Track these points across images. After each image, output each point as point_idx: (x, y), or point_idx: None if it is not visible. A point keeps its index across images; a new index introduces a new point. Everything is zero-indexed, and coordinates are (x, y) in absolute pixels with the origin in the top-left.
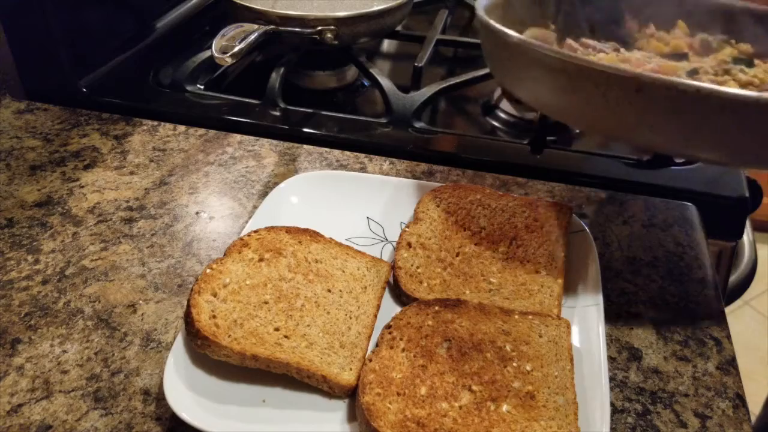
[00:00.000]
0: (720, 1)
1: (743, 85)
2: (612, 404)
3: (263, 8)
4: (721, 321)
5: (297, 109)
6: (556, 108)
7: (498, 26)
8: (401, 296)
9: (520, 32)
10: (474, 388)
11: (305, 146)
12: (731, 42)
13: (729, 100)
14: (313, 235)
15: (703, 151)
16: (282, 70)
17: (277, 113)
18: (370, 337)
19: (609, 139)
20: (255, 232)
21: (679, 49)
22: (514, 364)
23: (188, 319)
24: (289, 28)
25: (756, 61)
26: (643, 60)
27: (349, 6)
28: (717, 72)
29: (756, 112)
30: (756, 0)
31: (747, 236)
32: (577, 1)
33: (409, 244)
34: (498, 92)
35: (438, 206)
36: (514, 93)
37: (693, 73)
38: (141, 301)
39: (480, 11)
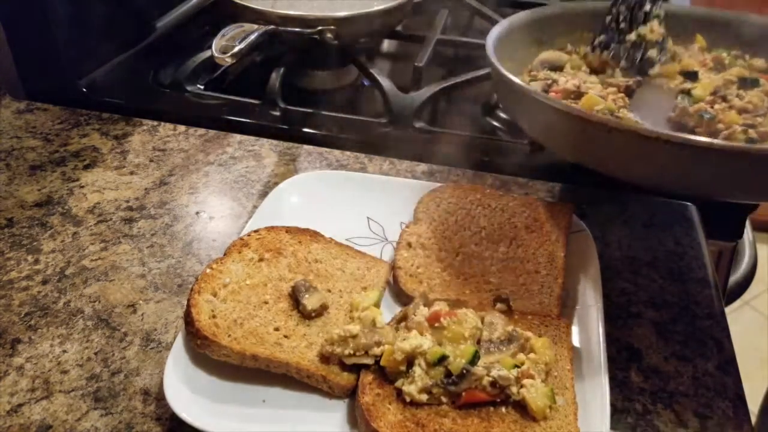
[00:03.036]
0: (736, 16)
1: (738, 111)
2: (612, 404)
3: (263, 8)
4: (721, 321)
5: (297, 109)
6: (554, 143)
7: (506, 73)
8: (401, 296)
9: (536, 54)
10: None
11: (305, 146)
12: (745, 57)
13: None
14: (313, 235)
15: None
16: (282, 70)
17: (277, 113)
18: None
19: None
20: (255, 232)
21: (690, 68)
22: None
23: (188, 319)
24: (289, 28)
25: (762, 80)
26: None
27: (349, 6)
28: (715, 100)
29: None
30: None
31: (747, 236)
32: (588, 19)
33: (409, 244)
34: None
35: (438, 206)
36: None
37: (689, 103)
38: (141, 301)
39: (493, 58)
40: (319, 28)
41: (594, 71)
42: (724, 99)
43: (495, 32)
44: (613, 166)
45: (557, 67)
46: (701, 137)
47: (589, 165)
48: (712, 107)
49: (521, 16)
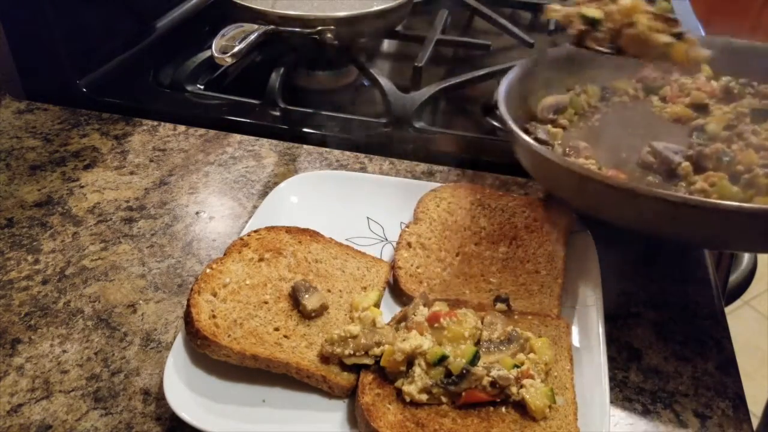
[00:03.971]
0: (743, 43)
1: (756, 149)
2: (612, 404)
3: (263, 8)
4: (721, 321)
5: (297, 109)
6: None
7: (535, 145)
8: (401, 296)
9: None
10: None
11: (305, 146)
12: (753, 84)
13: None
14: (313, 235)
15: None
16: (282, 70)
17: (277, 113)
18: None
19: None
20: (255, 232)
21: (700, 101)
22: None
23: (188, 319)
24: (289, 28)
25: None
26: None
27: (349, 6)
28: (730, 137)
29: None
30: None
31: None
32: (593, 56)
33: (409, 244)
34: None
35: (438, 206)
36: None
37: (704, 140)
38: (141, 301)
39: (510, 124)
40: (319, 28)
41: None
42: (740, 136)
43: (504, 86)
44: (646, 227)
45: (561, 110)
46: (749, 204)
47: (620, 224)
48: (729, 147)
49: (527, 62)
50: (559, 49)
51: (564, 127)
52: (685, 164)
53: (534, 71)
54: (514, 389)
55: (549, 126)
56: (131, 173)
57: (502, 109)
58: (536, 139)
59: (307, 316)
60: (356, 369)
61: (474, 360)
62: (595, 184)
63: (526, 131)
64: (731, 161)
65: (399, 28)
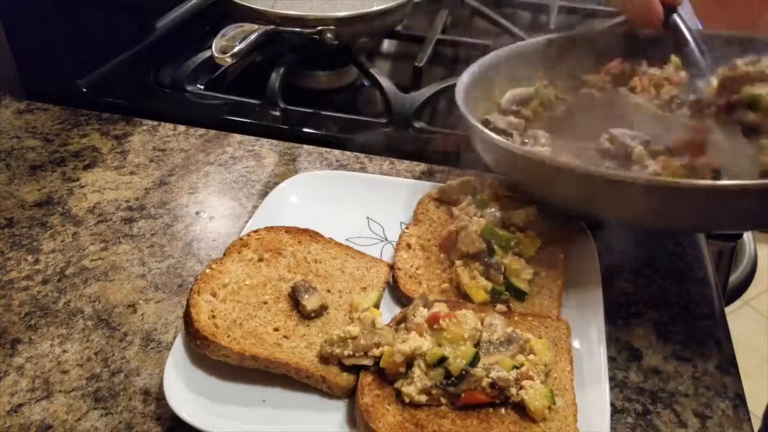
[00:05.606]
0: (707, 32)
1: None
2: (612, 404)
3: (263, 8)
4: (721, 321)
5: (297, 109)
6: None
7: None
8: (401, 297)
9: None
10: None
11: (305, 146)
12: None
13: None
14: (313, 235)
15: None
16: (282, 70)
17: (277, 113)
18: None
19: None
20: (255, 232)
21: (668, 96)
22: None
23: (187, 319)
24: (289, 28)
25: None
26: None
27: (349, 6)
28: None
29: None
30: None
31: (747, 236)
32: (564, 50)
33: (409, 245)
34: None
35: (438, 207)
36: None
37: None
38: (141, 301)
39: (467, 114)
40: (319, 28)
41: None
42: None
43: (466, 77)
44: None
45: (526, 101)
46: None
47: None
48: None
49: (492, 56)
50: (527, 43)
51: (527, 119)
52: (639, 149)
53: (499, 64)
54: (513, 390)
55: (511, 117)
56: (131, 173)
57: (459, 99)
58: (494, 129)
59: (306, 316)
60: (356, 370)
61: (474, 361)
62: (534, 164)
63: (486, 122)
64: None
65: (399, 28)
